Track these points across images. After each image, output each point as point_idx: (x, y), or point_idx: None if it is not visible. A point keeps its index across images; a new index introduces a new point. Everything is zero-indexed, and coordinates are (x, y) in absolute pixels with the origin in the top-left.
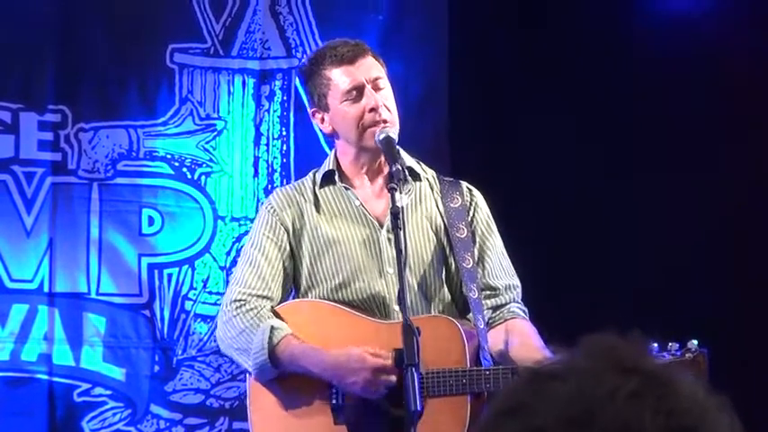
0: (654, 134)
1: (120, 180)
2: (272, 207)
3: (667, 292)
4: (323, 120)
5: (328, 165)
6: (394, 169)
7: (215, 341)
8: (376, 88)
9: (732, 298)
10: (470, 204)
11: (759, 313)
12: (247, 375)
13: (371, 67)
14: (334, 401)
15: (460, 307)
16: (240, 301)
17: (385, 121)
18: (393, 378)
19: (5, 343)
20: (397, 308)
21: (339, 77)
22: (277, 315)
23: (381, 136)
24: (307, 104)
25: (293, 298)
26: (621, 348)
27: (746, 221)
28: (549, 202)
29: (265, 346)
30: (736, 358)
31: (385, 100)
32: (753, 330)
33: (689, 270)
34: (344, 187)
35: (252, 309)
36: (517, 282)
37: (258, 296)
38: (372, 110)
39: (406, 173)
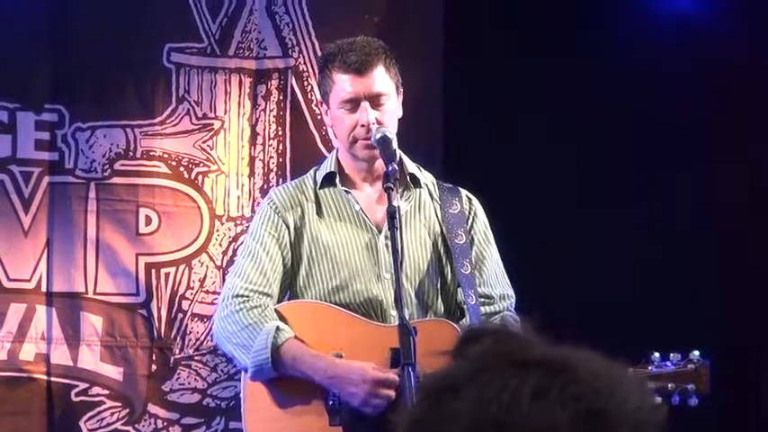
0: (654, 136)
1: (117, 179)
2: (274, 204)
3: (662, 297)
4: (326, 113)
5: (329, 166)
6: (390, 169)
7: (212, 340)
8: (375, 105)
9: (729, 300)
10: (469, 213)
11: (758, 317)
12: (242, 374)
13: (376, 82)
14: (330, 403)
15: (456, 316)
16: (243, 296)
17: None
18: (393, 394)
19: (3, 342)
20: (394, 312)
21: (341, 84)
22: (277, 313)
23: (378, 135)
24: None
25: (288, 297)
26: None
27: (744, 221)
28: (545, 208)
29: (269, 345)
30: (736, 368)
31: (381, 116)
32: (752, 336)
33: (684, 277)
34: (345, 190)
35: (257, 306)
36: (512, 292)
37: (260, 292)
38: (363, 126)
39: (407, 177)
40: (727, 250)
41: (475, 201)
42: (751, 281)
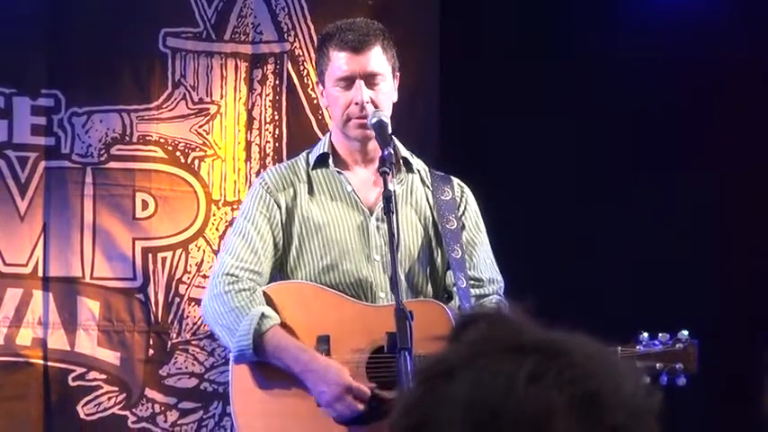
0: (650, 132)
1: (113, 164)
2: (266, 184)
3: (661, 296)
4: (322, 93)
5: (322, 147)
6: (386, 153)
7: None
8: (370, 84)
9: (729, 300)
10: (461, 200)
11: (758, 317)
12: (230, 356)
13: (371, 61)
14: None
15: (443, 299)
16: (233, 275)
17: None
18: (360, 406)
19: (0, 327)
20: (383, 294)
21: (336, 62)
22: (265, 295)
23: (374, 119)
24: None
25: (279, 277)
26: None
27: (739, 218)
28: (539, 199)
29: (251, 332)
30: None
31: (376, 96)
32: (752, 336)
33: (684, 277)
34: (338, 171)
35: (246, 289)
36: (501, 278)
37: (250, 270)
38: (357, 104)
39: (400, 161)
40: (727, 250)
41: (466, 189)
42: (751, 281)
